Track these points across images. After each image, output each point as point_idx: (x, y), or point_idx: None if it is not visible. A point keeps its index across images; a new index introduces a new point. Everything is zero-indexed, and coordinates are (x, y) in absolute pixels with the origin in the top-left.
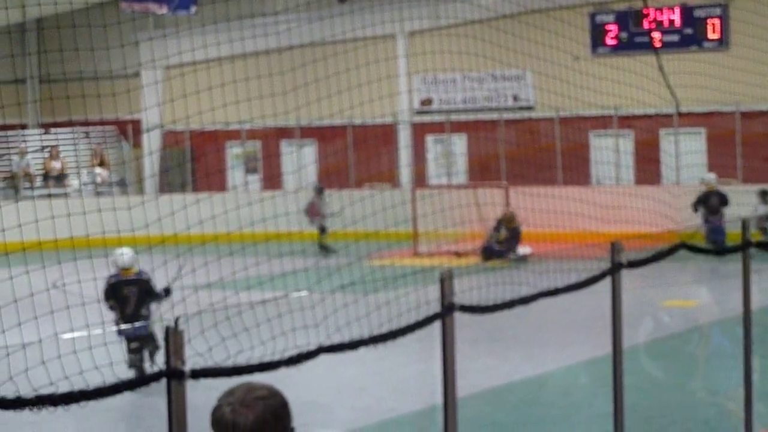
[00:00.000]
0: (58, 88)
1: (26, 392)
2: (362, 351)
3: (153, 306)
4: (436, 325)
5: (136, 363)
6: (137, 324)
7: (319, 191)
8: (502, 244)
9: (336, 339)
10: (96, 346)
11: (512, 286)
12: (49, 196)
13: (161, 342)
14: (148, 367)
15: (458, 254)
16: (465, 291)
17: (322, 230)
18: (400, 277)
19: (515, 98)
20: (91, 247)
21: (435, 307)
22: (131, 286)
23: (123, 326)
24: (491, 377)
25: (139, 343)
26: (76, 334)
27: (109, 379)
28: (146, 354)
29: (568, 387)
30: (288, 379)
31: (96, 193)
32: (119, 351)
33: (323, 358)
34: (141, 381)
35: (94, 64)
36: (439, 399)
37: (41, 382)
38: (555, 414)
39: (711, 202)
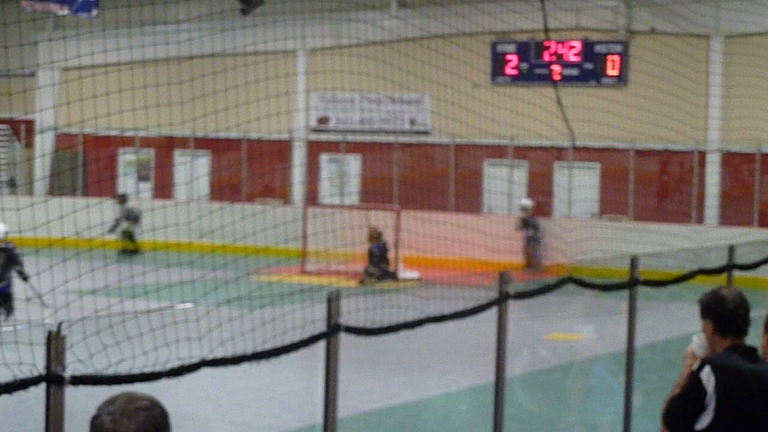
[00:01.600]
0: None
1: None
2: (245, 366)
3: (14, 273)
4: (321, 344)
5: None
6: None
7: (123, 199)
8: (373, 262)
9: (219, 353)
10: None
11: (399, 309)
12: None
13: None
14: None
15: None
16: (351, 312)
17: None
18: (286, 294)
19: (412, 122)
20: None
21: (321, 327)
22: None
23: None
24: (372, 400)
25: None
26: None
27: None
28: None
29: (448, 413)
30: (168, 390)
31: None
32: None
33: (204, 370)
34: (19, 385)
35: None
36: (318, 418)
37: None
38: None
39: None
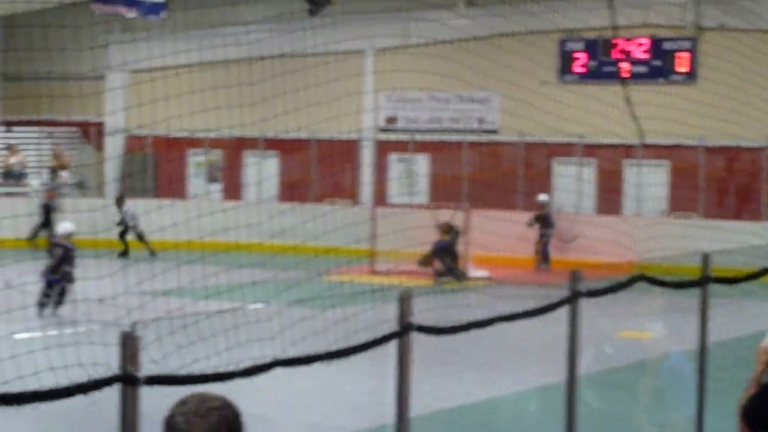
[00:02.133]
0: (24, 86)
1: None
2: (314, 366)
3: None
4: (390, 344)
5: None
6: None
7: (120, 201)
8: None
9: (291, 353)
10: (50, 347)
11: (469, 308)
12: (9, 195)
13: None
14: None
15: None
16: (422, 311)
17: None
18: (357, 294)
19: (480, 121)
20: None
21: (392, 326)
22: (58, 248)
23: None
24: (443, 399)
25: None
26: (30, 335)
27: (62, 381)
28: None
29: (518, 412)
30: (238, 391)
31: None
32: (74, 354)
33: (274, 371)
34: (94, 385)
35: (76, 63)
36: (387, 418)
37: None
38: None
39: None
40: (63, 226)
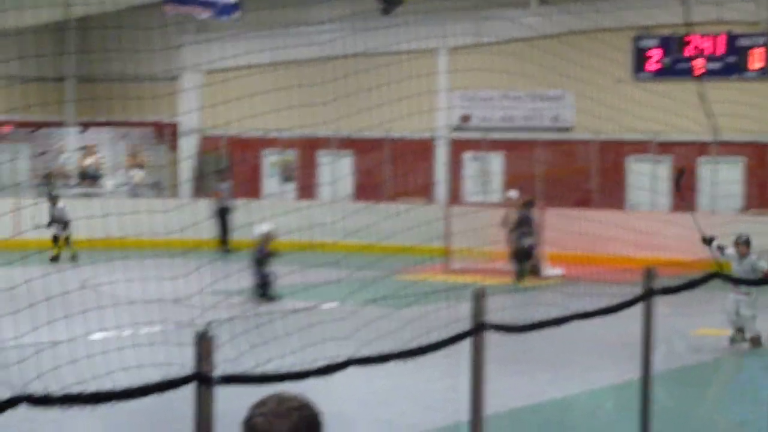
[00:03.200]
0: (98, 87)
1: (55, 390)
2: (389, 364)
3: None
4: (465, 342)
5: None
6: None
7: (54, 200)
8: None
9: (366, 352)
10: (125, 348)
11: (543, 306)
12: (85, 195)
13: None
14: None
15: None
16: (496, 310)
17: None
18: (430, 293)
19: (554, 119)
20: (126, 248)
21: (465, 325)
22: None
23: None
24: (516, 397)
25: None
26: (105, 335)
27: (137, 381)
28: None
29: (593, 410)
30: (313, 389)
31: (131, 195)
32: (149, 353)
33: (349, 369)
34: (170, 385)
35: (149, 64)
36: (462, 416)
37: (69, 382)
38: None
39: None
40: (262, 227)
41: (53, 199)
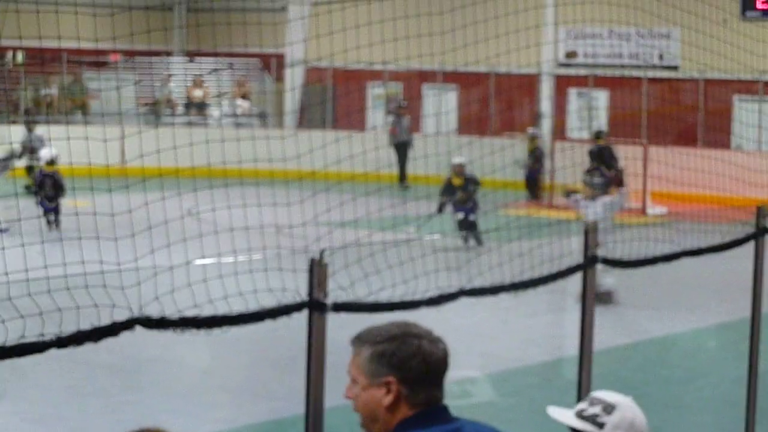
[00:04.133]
0: (205, 16)
1: (170, 313)
2: (490, 301)
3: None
4: (567, 279)
5: None
6: None
7: (31, 125)
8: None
9: (477, 284)
10: (226, 275)
11: (648, 243)
12: (190, 124)
13: None
14: None
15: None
16: (601, 246)
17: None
18: (534, 228)
19: (661, 57)
20: (227, 177)
21: (571, 260)
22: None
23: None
24: (618, 335)
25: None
26: (209, 261)
27: (244, 307)
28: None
29: (695, 350)
30: (417, 320)
31: (236, 124)
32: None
33: (452, 303)
34: (283, 310)
35: None
36: (564, 352)
37: (177, 306)
38: (681, 375)
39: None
40: (458, 159)
41: (29, 125)
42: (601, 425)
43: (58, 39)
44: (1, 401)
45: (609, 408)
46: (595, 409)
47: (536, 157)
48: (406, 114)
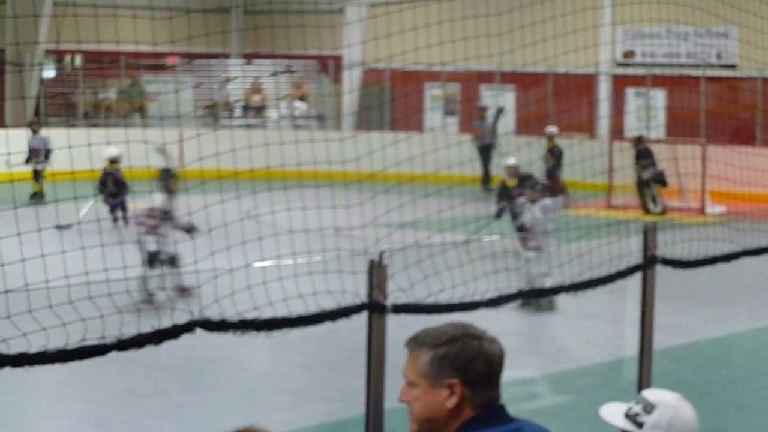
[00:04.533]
0: (262, 19)
1: (230, 316)
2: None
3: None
4: (628, 278)
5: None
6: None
7: (36, 127)
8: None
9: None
10: (286, 277)
11: (707, 244)
12: (249, 126)
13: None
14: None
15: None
16: (661, 246)
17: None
18: (594, 228)
19: (719, 56)
20: (286, 179)
21: (631, 260)
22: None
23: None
24: (678, 335)
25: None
26: (269, 263)
27: (302, 309)
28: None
29: (756, 349)
30: (474, 321)
31: (294, 126)
32: (310, 282)
33: (511, 304)
34: (342, 312)
35: None
36: (625, 352)
37: (232, 310)
38: (742, 375)
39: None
40: (510, 160)
41: (33, 127)
42: (640, 425)
43: (116, 42)
44: (62, 404)
45: (649, 407)
46: (638, 408)
47: (554, 155)
48: (486, 116)
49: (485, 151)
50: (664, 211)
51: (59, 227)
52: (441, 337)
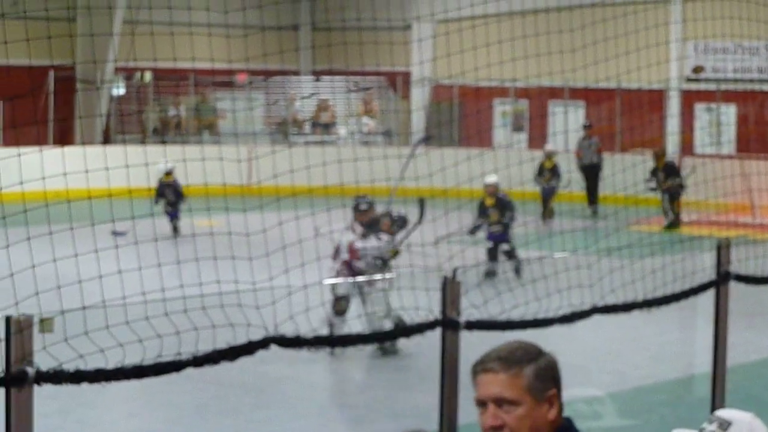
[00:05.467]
0: (331, 35)
1: (305, 332)
2: (620, 316)
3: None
4: (698, 295)
5: None
6: None
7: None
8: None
9: (609, 301)
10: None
11: None
12: (322, 143)
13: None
14: None
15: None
16: (734, 262)
17: None
18: (665, 244)
19: None
20: (375, 194)
21: (704, 277)
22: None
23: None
24: (748, 351)
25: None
26: (340, 280)
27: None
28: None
29: None
30: (547, 337)
31: (362, 142)
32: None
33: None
34: (416, 329)
35: (382, 13)
36: (695, 369)
37: (306, 326)
38: None
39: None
40: (491, 178)
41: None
42: None
43: (184, 60)
44: (133, 420)
45: (725, 424)
46: (713, 427)
47: (554, 174)
48: (591, 134)
49: (589, 171)
50: (675, 224)
51: (115, 233)
52: (531, 351)
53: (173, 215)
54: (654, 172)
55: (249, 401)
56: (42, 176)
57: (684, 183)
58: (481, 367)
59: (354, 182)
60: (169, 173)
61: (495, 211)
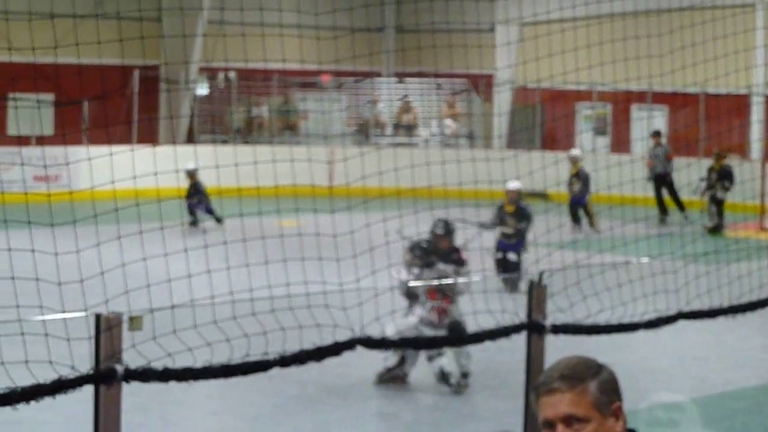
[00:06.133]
0: (414, 38)
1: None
2: (703, 322)
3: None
4: None
5: None
6: None
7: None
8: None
9: (695, 306)
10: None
11: None
12: (409, 145)
13: None
14: None
15: None
16: None
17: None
18: (751, 250)
19: None
20: (432, 198)
21: None
22: None
23: None
24: None
25: None
26: (420, 283)
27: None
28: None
29: None
30: (630, 342)
31: (443, 145)
32: (470, 302)
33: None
34: (502, 332)
35: (462, 14)
36: None
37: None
38: None
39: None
40: (514, 184)
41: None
42: None
43: (267, 61)
44: (213, 418)
45: None
46: None
47: (581, 180)
48: (660, 143)
49: (659, 182)
50: (718, 229)
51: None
52: (591, 365)
53: (195, 208)
54: (709, 171)
55: (328, 402)
56: (133, 175)
57: (730, 188)
58: (545, 389)
59: (442, 184)
60: (192, 173)
61: (512, 219)
